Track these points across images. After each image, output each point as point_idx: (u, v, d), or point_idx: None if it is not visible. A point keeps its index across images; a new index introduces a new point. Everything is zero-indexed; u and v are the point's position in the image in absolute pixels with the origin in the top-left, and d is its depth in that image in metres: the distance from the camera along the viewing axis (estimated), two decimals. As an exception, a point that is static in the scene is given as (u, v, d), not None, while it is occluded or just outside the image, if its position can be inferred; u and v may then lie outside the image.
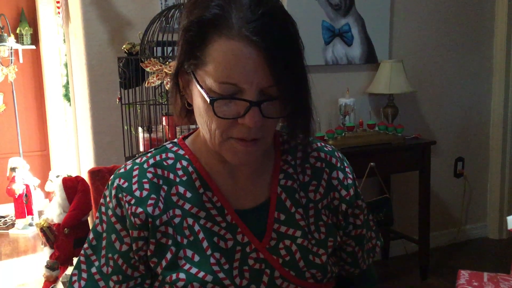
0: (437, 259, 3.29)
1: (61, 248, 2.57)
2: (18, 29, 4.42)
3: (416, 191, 3.01)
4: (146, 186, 0.89)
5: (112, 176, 0.93)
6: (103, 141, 2.56)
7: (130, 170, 0.91)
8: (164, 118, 2.25)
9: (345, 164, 1.01)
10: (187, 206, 0.89)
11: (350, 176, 1.00)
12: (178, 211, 0.89)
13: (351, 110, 2.89)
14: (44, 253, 2.67)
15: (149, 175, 0.90)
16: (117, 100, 2.26)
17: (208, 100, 0.80)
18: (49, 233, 2.58)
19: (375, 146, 2.79)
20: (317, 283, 0.92)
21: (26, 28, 4.44)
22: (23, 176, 4.05)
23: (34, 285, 3.04)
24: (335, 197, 0.97)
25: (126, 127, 2.27)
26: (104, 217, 0.91)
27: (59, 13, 2.98)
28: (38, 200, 4.18)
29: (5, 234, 4.07)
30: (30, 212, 4.10)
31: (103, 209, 0.92)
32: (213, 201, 0.90)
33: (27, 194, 4.06)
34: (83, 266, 0.92)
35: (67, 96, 4.22)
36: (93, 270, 0.91)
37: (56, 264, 2.59)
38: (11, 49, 4.28)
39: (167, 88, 2.05)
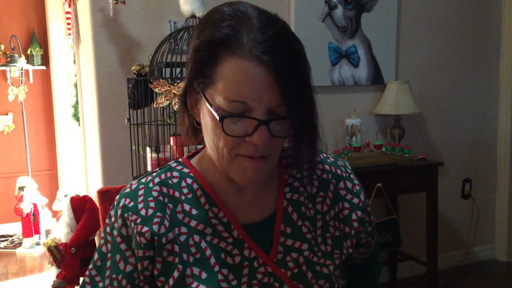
0: (445, 281, 3.25)
1: (68, 268, 2.57)
2: (29, 50, 4.49)
3: (424, 212, 3.00)
4: (152, 204, 0.89)
5: (118, 196, 0.93)
6: (111, 161, 2.58)
7: (136, 190, 0.92)
8: (172, 138, 2.27)
9: (349, 171, 1.03)
10: (193, 223, 0.90)
11: (356, 182, 1.02)
12: (183, 229, 0.89)
13: (357, 131, 2.90)
14: (51, 273, 2.68)
15: (155, 194, 0.91)
16: (126, 121, 2.28)
17: (217, 117, 0.81)
18: (56, 253, 2.58)
19: (382, 166, 2.79)
20: None
21: (37, 49, 4.51)
22: (31, 195, 4.06)
23: (40, 304, 3.04)
24: (344, 207, 0.98)
25: (134, 147, 2.28)
26: (109, 238, 0.92)
27: (69, 34, 3.03)
28: (45, 219, 4.19)
29: (12, 253, 4.07)
30: (37, 231, 4.11)
31: (108, 229, 0.92)
32: (219, 216, 0.91)
33: (35, 213, 4.07)
34: (88, 287, 0.93)
35: (76, 116, 4.26)
36: None
37: (62, 284, 2.59)
38: (21, 70, 4.34)
39: (175, 109, 2.07)
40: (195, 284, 0.87)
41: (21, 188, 4.04)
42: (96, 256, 0.94)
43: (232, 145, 0.83)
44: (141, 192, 0.91)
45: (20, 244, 4.19)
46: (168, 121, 2.23)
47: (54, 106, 4.57)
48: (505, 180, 3.59)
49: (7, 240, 4.35)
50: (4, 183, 4.56)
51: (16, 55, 4.26)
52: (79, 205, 2.62)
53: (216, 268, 0.88)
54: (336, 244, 0.96)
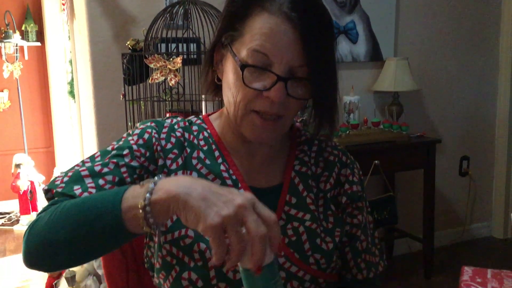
0: (442, 258, 3.27)
1: (64, 244, 2.57)
2: (23, 26, 4.43)
3: (421, 190, 3.00)
4: (173, 140, 0.93)
5: (144, 120, 0.97)
6: (107, 138, 2.56)
7: (162, 122, 0.96)
8: (167, 115, 2.25)
9: (355, 166, 1.04)
10: (204, 171, 0.92)
11: (357, 176, 1.02)
12: (194, 174, 0.92)
13: (355, 108, 2.88)
14: (48, 249, 2.67)
15: (178, 134, 0.95)
16: (121, 97, 2.26)
17: (239, 66, 0.83)
18: (53, 229, 2.58)
19: (380, 144, 2.78)
20: (319, 270, 0.92)
21: (32, 25, 4.45)
22: (28, 173, 4.05)
23: (38, 281, 3.05)
24: (340, 193, 1.00)
25: (129, 123, 2.27)
26: (121, 141, 0.92)
27: (64, 10, 2.99)
28: (42, 197, 4.19)
29: (9, 230, 4.08)
30: (34, 209, 4.11)
31: (124, 134, 0.94)
32: (230, 173, 0.93)
33: (32, 191, 4.07)
34: (71, 168, 0.89)
35: (72, 93, 4.22)
36: (82, 169, 0.86)
37: (59, 260, 2.59)
38: (16, 46, 4.28)
39: (171, 85, 2.05)
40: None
41: (18, 166, 4.03)
42: (97, 153, 0.90)
43: (249, 99, 0.85)
44: (166, 124, 0.96)
45: (17, 221, 4.20)
46: (164, 97, 2.20)
47: (49, 83, 4.53)
48: (502, 158, 3.59)
49: (5, 217, 4.35)
50: (0, 161, 4.54)
51: (11, 31, 4.20)
52: (75, 182, 2.61)
53: None
54: (337, 222, 0.97)
